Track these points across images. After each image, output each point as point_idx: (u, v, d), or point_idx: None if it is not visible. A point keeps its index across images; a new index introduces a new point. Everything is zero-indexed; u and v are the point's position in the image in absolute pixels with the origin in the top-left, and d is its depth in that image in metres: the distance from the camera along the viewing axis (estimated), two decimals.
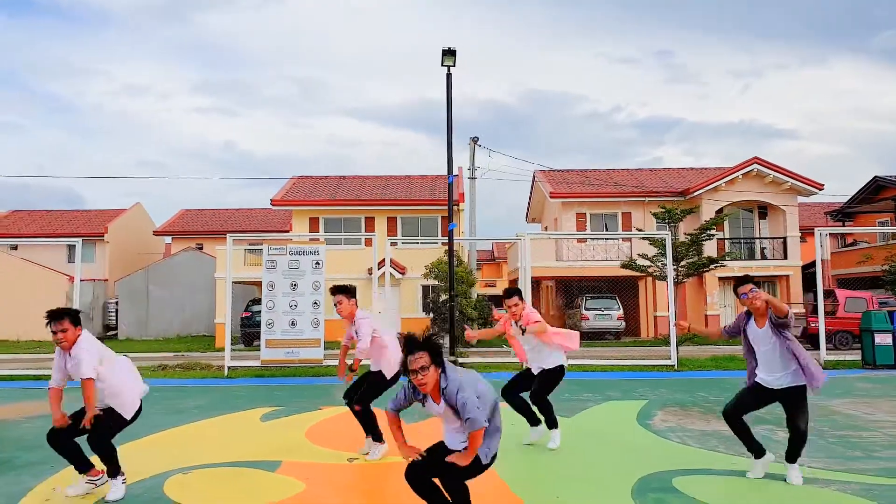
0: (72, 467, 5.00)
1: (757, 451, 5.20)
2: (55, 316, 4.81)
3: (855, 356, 14.61)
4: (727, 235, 26.61)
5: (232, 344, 24.11)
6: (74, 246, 14.17)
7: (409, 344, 3.78)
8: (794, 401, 4.99)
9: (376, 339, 6.03)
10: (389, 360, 5.97)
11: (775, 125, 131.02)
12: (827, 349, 15.05)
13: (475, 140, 23.28)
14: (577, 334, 6.40)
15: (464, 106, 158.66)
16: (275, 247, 14.19)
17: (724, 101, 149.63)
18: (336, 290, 6.12)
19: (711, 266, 15.97)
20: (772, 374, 5.04)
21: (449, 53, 13.57)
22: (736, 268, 24.74)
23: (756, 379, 5.15)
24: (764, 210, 26.92)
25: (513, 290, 6.37)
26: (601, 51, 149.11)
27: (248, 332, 23.03)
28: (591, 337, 23.70)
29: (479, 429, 3.69)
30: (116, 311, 30.19)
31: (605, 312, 24.08)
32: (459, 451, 3.86)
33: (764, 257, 26.36)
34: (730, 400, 5.32)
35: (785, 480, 5.01)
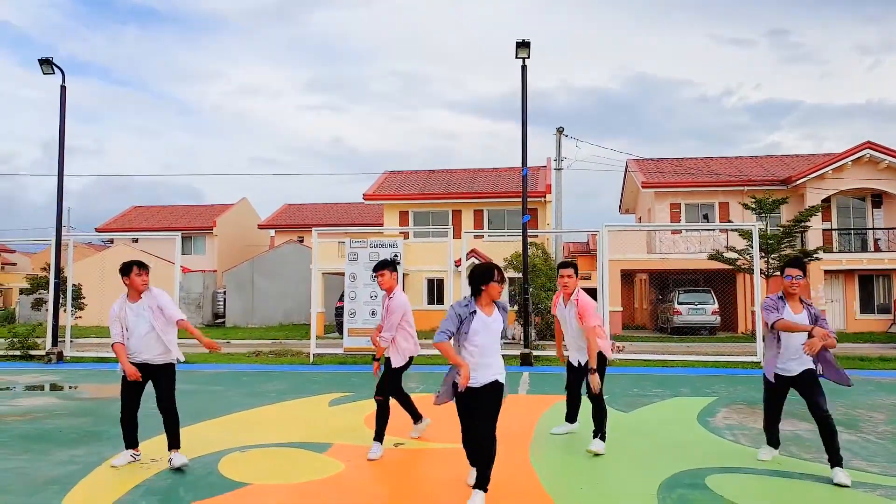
0: (142, 441, 5.62)
1: (774, 442, 5.57)
2: (144, 265, 5.66)
3: None
4: (835, 225, 24.84)
5: (327, 332, 25.20)
6: (186, 238, 15.38)
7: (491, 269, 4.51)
8: (810, 382, 5.10)
9: (402, 325, 6.13)
10: (400, 349, 6.11)
11: None
12: None
13: (560, 130, 23.01)
14: (609, 346, 6.25)
15: (561, 93, 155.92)
16: (356, 240, 14.82)
17: (849, 80, 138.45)
18: (379, 266, 6.24)
19: (806, 259, 15.01)
20: (794, 361, 5.16)
21: (523, 45, 13.55)
22: (844, 260, 23.10)
23: (776, 371, 5.24)
24: (878, 198, 24.88)
25: (568, 263, 6.28)
26: (710, 32, 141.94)
27: (342, 321, 23.99)
28: (685, 332, 22.91)
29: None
30: (224, 300, 32.30)
31: (699, 307, 23.18)
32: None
33: (878, 249, 24.39)
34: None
35: (832, 482, 4.80)
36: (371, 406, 8.45)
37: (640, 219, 32.21)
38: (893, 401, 8.71)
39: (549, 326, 21.76)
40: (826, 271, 23.30)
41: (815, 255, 15.03)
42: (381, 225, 31.82)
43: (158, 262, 31.74)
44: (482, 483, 4.29)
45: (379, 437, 6.00)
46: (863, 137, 24.88)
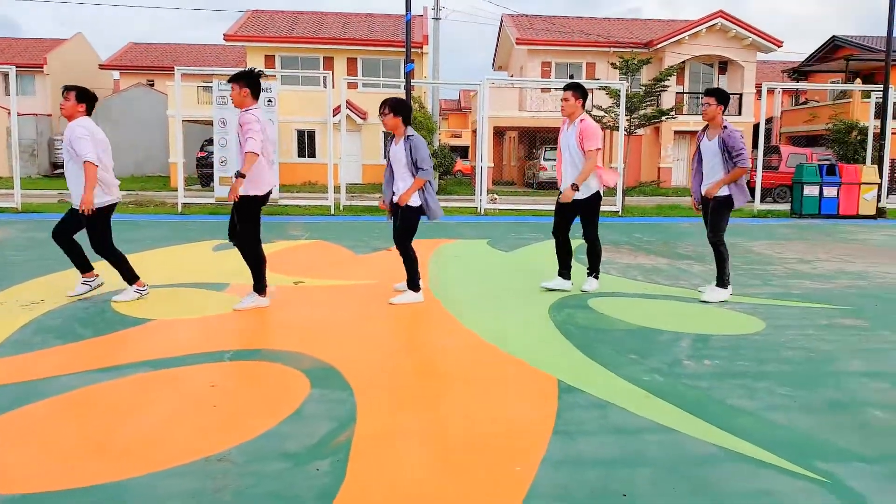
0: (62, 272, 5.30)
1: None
2: (67, 87, 5.35)
3: (787, 207, 15.53)
4: (686, 90, 26.61)
5: (188, 185, 23.96)
6: (9, 76, 13.43)
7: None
8: (714, 207, 5.64)
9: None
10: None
11: None
12: (766, 201, 16.89)
13: None
14: (614, 179, 6.07)
15: None
16: (225, 82, 13.80)
17: None
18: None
19: (663, 118, 16.14)
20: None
21: None
22: (691, 122, 25.03)
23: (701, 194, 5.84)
24: (724, 65, 26.80)
25: (573, 84, 5.77)
26: None
27: (205, 173, 22.72)
28: (548, 187, 24.25)
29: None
30: None
31: None
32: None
33: None
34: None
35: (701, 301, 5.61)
36: None
37: (511, 76, 32.48)
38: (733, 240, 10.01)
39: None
40: (675, 132, 25.22)
41: (671, 115, 16.14)
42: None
43: None
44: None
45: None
46: (716, 8, 26.23)
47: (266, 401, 3.34)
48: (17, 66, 31.04)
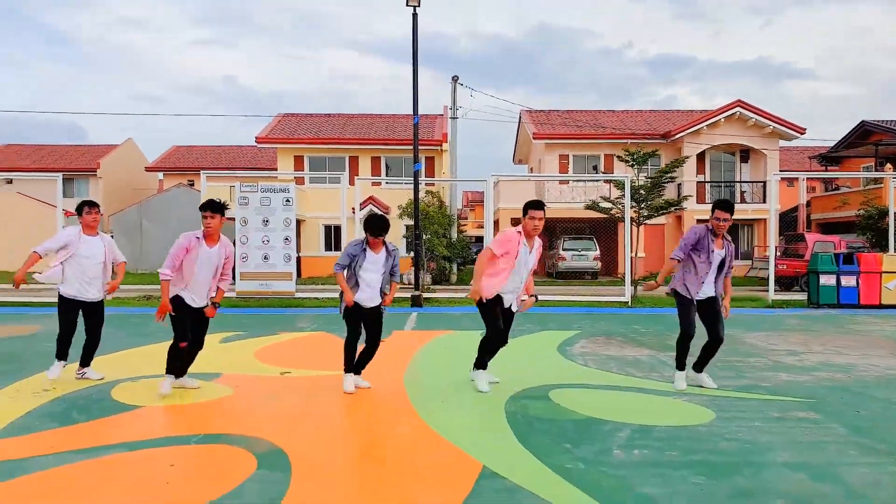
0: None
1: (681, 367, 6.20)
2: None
3: (805, 296, 15.34)
4: (708, 178, 27.02)
5: None
6: (68, 180, 14.68)
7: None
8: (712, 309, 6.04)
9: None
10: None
11: (792, 63, 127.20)
12: (794, 290, 17.88)
13: (455, 79, 23.42)
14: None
15: (465, 38, 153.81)
16: (247, 184, 14.82)
17: (740, 38, 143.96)
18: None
19: (671, 209, 16.52)
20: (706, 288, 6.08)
21: None
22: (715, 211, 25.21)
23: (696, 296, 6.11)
24: (746, 154, 27.24)
25: (540, 203, 5.94)
26: None
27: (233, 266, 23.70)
28: (568, 277, 24.51)
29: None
30: None
31: (582, 253, 24.75)
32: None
33: (744, 201, 26.83)
34: (687, 325, 6.13)
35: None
36: (262, 342, 8.88)
37: (531, 169, 33.46)
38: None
39: (443, 273, 22.56)
40: (698, 220, 25.42)
41: (679, 205, 16.53)
42: (275, 169, 31.30)
43: (35, 204, 29.88)
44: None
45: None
46: (752, 95, 26.83)
47: (214, 479, 3.66)
48: (74, 171, 33.19)
